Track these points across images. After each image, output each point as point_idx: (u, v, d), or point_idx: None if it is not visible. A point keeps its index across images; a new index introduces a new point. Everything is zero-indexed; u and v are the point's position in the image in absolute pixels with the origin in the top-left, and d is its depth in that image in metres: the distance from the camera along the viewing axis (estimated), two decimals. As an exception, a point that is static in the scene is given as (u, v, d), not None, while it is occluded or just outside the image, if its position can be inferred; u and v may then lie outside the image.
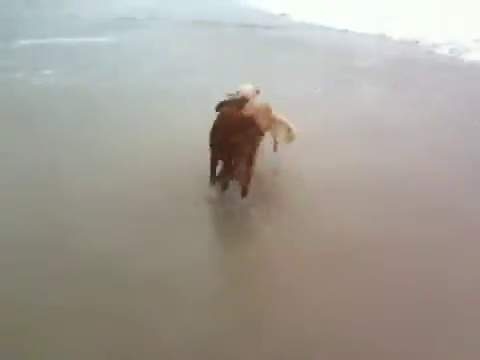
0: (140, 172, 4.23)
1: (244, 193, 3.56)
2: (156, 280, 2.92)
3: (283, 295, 2.87)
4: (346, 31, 13.67)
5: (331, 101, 6.64)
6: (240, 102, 3.58)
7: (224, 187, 3.63)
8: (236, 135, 3.16)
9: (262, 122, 3.59)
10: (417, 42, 11.15)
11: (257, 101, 4.16)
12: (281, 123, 4.29)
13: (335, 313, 2.65)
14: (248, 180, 3.42)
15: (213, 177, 3.50)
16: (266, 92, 4.57)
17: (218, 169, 3.52)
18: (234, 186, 3.70)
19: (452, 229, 3.45)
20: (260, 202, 3.69)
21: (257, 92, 4.26)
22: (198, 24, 14.58)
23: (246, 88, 4.18)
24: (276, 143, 4.56)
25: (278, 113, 4.31)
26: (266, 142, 4.29)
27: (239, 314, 2.70)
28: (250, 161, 3.30)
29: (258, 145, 3.39)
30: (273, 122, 4.17)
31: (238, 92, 4.09)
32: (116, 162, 4.53)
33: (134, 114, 6.00)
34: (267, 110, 4.05)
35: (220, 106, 3.56)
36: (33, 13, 18.25)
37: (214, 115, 3.57)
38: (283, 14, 17.19)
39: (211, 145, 3.40)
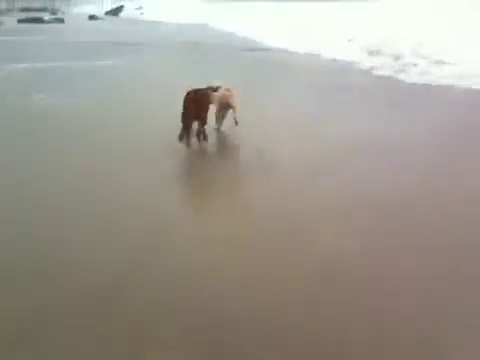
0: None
1: (204, 137, 5.57)
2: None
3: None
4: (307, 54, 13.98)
5: (314, 122, 6.67)
6: (212, 88, 5.75)
7: (187, 141, 5.47)
8: (194, 106, 5.39)
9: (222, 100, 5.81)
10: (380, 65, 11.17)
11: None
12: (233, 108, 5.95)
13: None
14: (202, 127, 5.55)
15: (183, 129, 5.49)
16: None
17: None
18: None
19: (457, 249, 3.30)
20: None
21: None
22: (194, 46, 15.13)
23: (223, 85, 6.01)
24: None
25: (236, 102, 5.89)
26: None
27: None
28: (203, 120, 5.53)
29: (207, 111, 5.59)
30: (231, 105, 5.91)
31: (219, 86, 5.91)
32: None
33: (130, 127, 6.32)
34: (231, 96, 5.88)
35: (207, 88, 5.70)
36: (29, 38, 18.67)
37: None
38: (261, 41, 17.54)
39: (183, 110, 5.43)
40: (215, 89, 5.78)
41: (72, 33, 21.37)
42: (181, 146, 5.38)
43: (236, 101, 5.92)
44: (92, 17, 34.62)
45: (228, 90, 5.89)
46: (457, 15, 18.76)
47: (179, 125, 5.40)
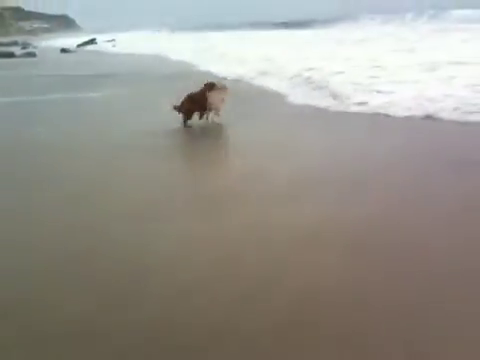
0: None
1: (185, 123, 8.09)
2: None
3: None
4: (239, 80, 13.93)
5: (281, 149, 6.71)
6: (210, 85, 7.98)
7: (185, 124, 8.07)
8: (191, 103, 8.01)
9: (213, 100, 7.95)
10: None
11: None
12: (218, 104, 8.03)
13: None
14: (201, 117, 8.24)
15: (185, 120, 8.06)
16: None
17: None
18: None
19: (426, 278, 3.28)
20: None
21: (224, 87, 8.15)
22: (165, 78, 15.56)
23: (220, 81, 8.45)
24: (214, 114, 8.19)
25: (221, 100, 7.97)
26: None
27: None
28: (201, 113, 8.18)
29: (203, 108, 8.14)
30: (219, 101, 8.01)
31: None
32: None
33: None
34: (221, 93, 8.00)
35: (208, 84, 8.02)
36: (2, 73, 18.78)
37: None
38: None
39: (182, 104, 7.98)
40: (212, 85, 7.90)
41: (46, 67, 21.55)
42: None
43: (219, 104, 7.99)
44: (64, 50, 34.88)
45: (221, 89, 7.96)
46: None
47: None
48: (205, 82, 8.06)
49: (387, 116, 8.27)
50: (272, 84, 12.43)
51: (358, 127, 7.87)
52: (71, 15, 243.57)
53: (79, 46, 44.17)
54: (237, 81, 13.42)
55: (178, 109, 7.92)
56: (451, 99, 8.46)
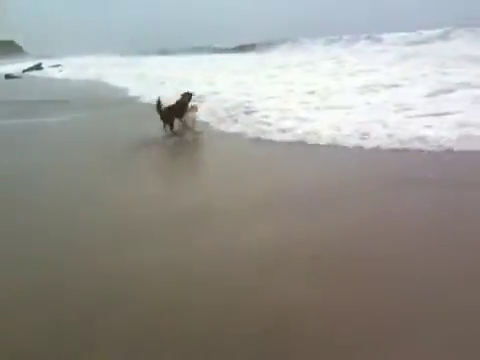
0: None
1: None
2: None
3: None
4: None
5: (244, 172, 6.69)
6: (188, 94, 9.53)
7: (173, 131, 9.35)
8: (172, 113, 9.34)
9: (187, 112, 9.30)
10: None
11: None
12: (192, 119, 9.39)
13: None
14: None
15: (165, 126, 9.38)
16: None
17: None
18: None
19: (393, 298, 3.28)
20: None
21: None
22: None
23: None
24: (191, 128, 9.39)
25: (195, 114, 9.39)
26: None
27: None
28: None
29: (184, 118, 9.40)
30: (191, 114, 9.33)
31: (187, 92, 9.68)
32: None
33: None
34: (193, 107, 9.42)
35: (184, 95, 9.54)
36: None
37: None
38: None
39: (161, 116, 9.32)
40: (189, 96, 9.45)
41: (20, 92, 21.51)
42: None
43: (193, 122, 9.27)
44: (8, 76, 34.56)
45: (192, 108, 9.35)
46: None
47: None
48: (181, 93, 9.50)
49: (312, 144, 7.82)
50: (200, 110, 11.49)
51: (280, 156, 7.58)
52: (17, 41, 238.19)
53: (25, 71, 43.77)
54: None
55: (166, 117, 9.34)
56: (382, 125, 8.19)
